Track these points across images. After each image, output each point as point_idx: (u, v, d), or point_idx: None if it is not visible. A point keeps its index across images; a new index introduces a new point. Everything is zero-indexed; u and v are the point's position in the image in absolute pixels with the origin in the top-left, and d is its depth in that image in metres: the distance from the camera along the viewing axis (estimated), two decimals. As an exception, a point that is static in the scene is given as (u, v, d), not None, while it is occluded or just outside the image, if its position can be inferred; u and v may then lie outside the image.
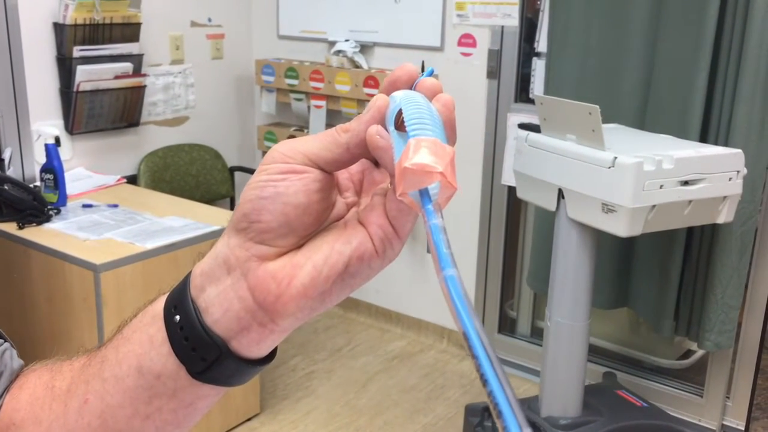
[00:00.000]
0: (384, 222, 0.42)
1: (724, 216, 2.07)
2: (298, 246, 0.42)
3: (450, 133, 0.40)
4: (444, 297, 0.33)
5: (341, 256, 0.41)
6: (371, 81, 3.09)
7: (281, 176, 0.41)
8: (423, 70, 3.00)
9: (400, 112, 0.40)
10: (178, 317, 0.43)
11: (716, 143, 2.32)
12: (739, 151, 2.06)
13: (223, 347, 0.42)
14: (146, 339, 0.45)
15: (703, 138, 2.36)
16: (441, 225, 0.36)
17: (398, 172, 0.36)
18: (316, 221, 0.42)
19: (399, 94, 0.41)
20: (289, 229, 0.41)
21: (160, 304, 0.45)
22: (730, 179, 2.02)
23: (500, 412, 0.28)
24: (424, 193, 0.37)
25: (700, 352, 2.80)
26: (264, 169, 0.41)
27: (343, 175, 0.46)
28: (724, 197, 2.04)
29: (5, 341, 0.58)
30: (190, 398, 0.45)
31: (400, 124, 0.40)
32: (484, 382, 0.29)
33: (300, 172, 0.41)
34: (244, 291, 0.42)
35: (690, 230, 2.45)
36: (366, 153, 0.41)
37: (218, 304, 0.42)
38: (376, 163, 0.46)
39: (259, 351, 0.44)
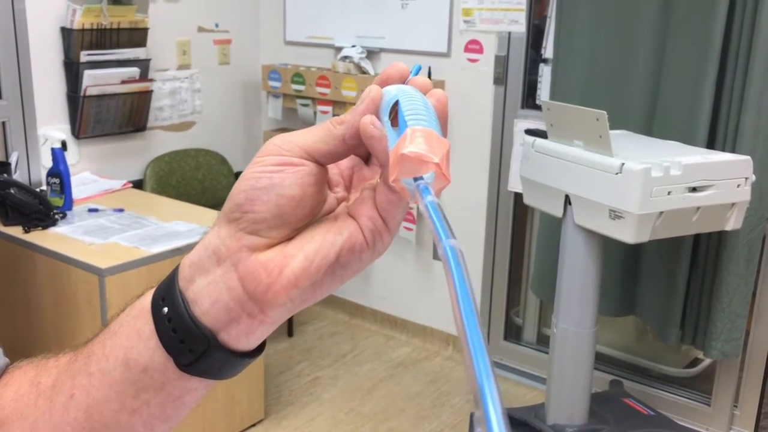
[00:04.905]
0: (374, 214, 0.42)
1: (732, 223, 2.05)
2: (289, 238, 0.42)
3: (443, 128, 0.41)
4: (444, 268, 0.33)
5: (333, 247, 0.42)
6: (377, 87, 3.08)
7: (277, 168, 0.41)
8: (429, 76, 3.00)
9: (393, 106, 0.40)
10: (165, 309, 0.43)
11: (724, 149, 2.31)
12: (748, 157, 2.05)
13: (212, 339, 0.42)
14: (133, 332, 0.44)
15: (711, 144, 2.35)
16: (437, 202, 0.36)
17: (394, 158, 0.37)
18: (309, 214, 0.42)
19: (393, 88, 0.42)
20: (282, 220, 0.41)
21: (148, 297, 0.45)
22: (738, 186, 2.01)
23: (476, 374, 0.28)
24: (417, 180, 0.37)
25: (707, 360, 2.78)
26: (259, 160, 0.42)
27: (333, 171, 0.46)
28: (732, 204, 2.02)
29: None
30: (177, 392, 0.44)
31: (393, 118, 0.40)
32: (467, 348, 0.29)
33: (296, 164, 0.41)
34: (234, 281, 0.42)
35: (697, 237, 2.43)
36: (361, 145, 0.41)
37: (207, 295, 0.42)
38: (366, 161, 0.47)
39: (248, 343, 0.44)
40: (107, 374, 0.45)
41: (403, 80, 0.43)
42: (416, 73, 0.44)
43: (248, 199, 0.41)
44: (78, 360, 0.47)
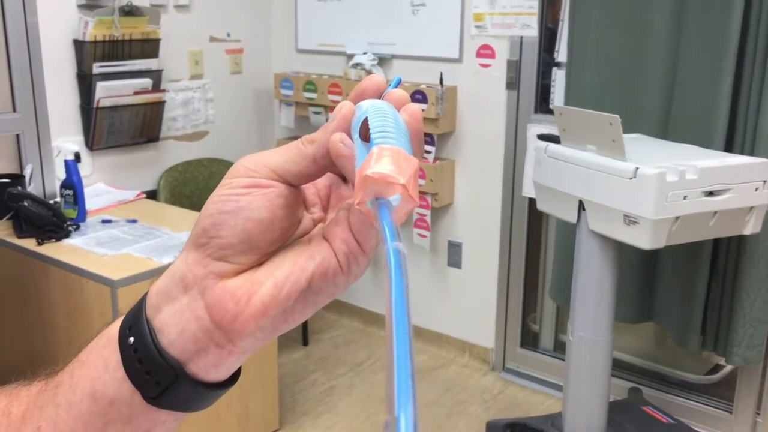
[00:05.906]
0: (348, 236, 0.40)
1: (751, 227, 2.01)
2: (259, 263, 0.40)
3: (416, 145, 0.38)
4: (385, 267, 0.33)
5: (304, 273, 0.39)
6: (390, 93, 3.07)
7: (245, 190, 0.39)
8: (441, 83, 2.97)
9: (365, 122, 0.38)
10: (132, 339, 0.41)
11: (742, 152, 2.27)
12: (766, 160, 2.01)
13: (179, 370, 0.40)
14: (101, 363, 0.42)
15: (729, 147, 2.31)
16: (390, 207, 0.35)
17: (358, 180, 0.35)
18: (280, 238, 0.40)
19: (366, 103, 0.40)
20: (250, 245, 0.39)
21: (117, 326, 0.43)
22: (756, 189, 1.96)
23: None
24: (382, 203, 0.35)
25: (729, 367, 2.73)
26: (227, 183, 0.40)
27: (309, 190, 0.44)
28: (751, 208, 1.98)
29: None
30: (146, 425, 0.42)
31: (366, 136, 0.38)
32: (391, 356, 0.28)
33: (265, 186, 0.39)
34: (200, 310, 0.40)
35: (716, 242, 2.39)
36: (333, 164, 0.39)
37: (174, 324, 0.40)
38: (344, 179, 0.44)
39: (218, 374, 0.42)
40: (74, 406, 0.43)
41: (379, 94, 0.41)
42: (396, 85, 0.42)
43: (214, 223, 0.39)
44: (47, 390, 0.45)
